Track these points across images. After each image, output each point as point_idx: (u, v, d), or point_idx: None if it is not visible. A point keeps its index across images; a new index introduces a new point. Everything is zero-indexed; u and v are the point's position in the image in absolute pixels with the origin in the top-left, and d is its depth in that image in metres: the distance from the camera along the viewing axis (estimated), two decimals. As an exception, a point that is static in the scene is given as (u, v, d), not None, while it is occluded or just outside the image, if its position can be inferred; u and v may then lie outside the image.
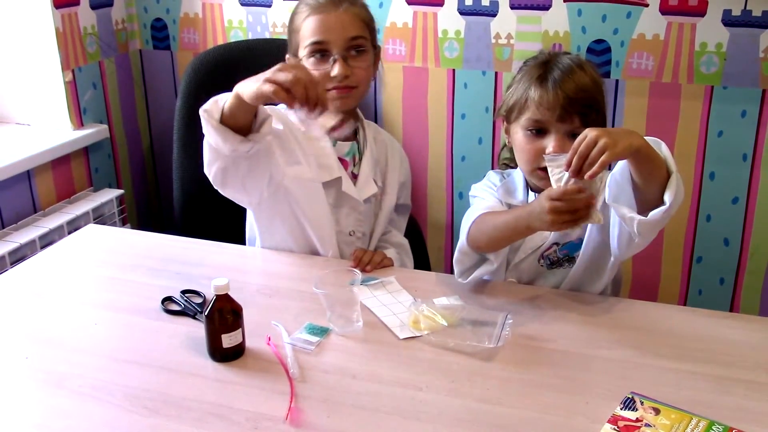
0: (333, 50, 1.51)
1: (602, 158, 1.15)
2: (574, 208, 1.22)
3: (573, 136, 1.38)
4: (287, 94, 1.22)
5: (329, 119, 1.52)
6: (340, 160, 1.61)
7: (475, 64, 2.15)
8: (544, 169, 1.38)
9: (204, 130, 1.36)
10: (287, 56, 1.61)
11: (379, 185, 1.68)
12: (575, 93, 1.38)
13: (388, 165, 1.72)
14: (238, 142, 1.34)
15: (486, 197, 1.54)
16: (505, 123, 1.52)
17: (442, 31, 2.15)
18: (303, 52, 1.54)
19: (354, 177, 1.63)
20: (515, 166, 1.57)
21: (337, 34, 1.51)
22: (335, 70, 1.50)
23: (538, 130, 1.41)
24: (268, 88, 1.22)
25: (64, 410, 1.12)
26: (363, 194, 1.63)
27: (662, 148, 1.29)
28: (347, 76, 1.52)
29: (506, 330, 1.27)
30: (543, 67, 1.44)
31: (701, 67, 1.98)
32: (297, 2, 1.59)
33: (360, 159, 1.64)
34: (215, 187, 1.48)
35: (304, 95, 1.22)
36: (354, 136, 1.66)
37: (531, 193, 1.51)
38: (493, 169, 1.66)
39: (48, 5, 2.09)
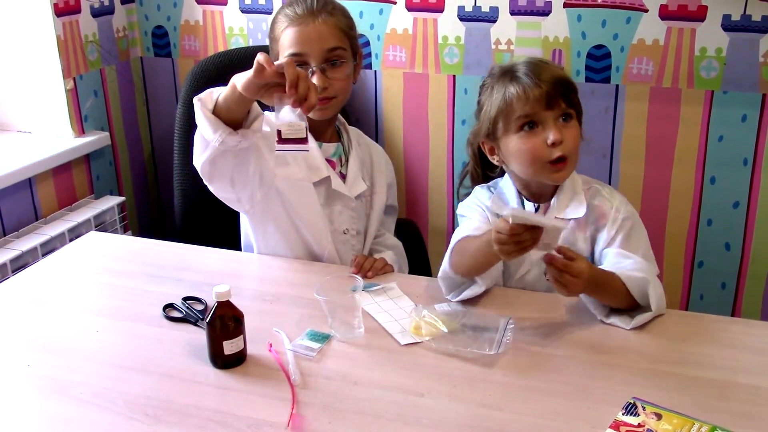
0: (311, 62, 1.53)
1: (563, 292, 1.27)
2: (518, 242, 1.23)
3: (565, 118, 1.41)
4: (280, 78, 1.24)
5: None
6: (327, 161, 1.62)
7: (476, 69, 2.15)
8: (555, 162, 1.39)
9: (196, 119, 1.38)
10: None
11: (367, 184, 1.69)
12: (551, 78, 1.40)
13: (373, 166, 1.73)
14: (227, 134, 1.35)
15: (472, 216, 1.53)
16: (487, 147, 1.50)
17: (442, 37, 2.16)
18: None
19: (342, 176, 1.64)
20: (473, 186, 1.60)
21: (314, 46, 1.52)
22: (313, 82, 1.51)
23: (531, 125, 1.40)
24: (261, 58, 1.24)
25: (65, 417, 1.12)
26: (353, 191, 1.64)
27: (649, 290, 1.33)
28: (325, 87, 1.53)
29: (507, 336, 1.27)
30: (508, 71, 1.44)
31: (701, 71, 1.98)
32: (277, 10, 1.60)
33: (346, 159, 1.66)
34: (204, 181, 1.49)
35: (295, 78, 1.24)
36: (338, 137, 1.68)
37: (527, 203, 1.49)
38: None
39: (49, 13, 2.10)
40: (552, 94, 1.39)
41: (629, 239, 1.44)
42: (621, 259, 1.39)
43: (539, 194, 1.49)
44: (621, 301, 1.33)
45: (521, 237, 1.21)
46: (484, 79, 1.51)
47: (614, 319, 1.33)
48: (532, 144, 1.40)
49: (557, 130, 1.38)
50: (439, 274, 1.45)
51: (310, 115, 1.57)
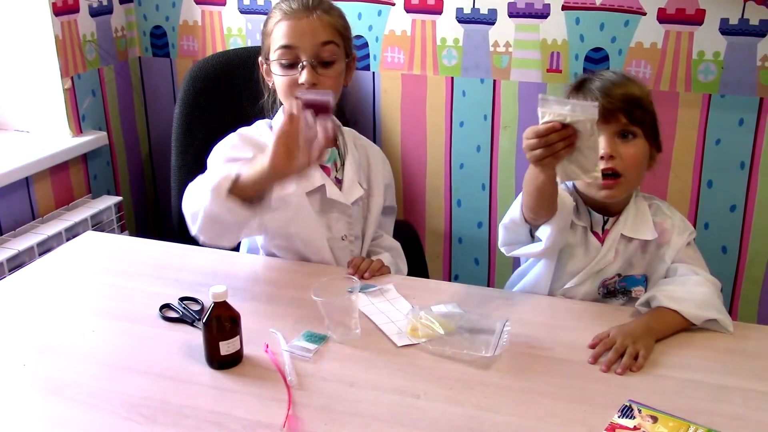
0: (302, 56, 1.50)
1: (639, 362, 1.22)
2: (547, 144, 1.18)
3: (623, 135, 1.38)
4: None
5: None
6: (321, 167, 1.61)
7: (474, 72, 2.16)
8: (606, 177, 1.36)
9: (205, 205, 1.35)
10: (260, 59, 1.61)
11: (364, 188, 1.68)
12: (619, 94, 1.37)
13: (371, 167, 1.71)
14: (247, 216, 1.35)
15: None
16: None
17: (440, 39, 2.16)
18: (273, 56, 1.53)
19: (338, 182, 1.63)
20: None
21: (306, 39, 1.49)
22: (303, 77, 1.49)
23: None
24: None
25: (61, 418, 1.12)
26: (350, 197, 1.63)
27: (726, 316, 1.34)
28: (314, 84, 1.50)
29: (504, 338, 1.26)
30: (582, 82, 1.44)
31: (699, 75, 1.98)
32: (273, 7, 1.58)
33: (342, 164, 1.65)
34: (200, 242, 1.48)
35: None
36: (334, 141, 1.67)
37: (597, 216, 1.47)
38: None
39: (48, 12, 2.10)
40: (611, 109, 1.36)
41: (690, 251, 1.47)
42: (688, 273, 1.42)
43: (601, 208, 1.47)
44: (681, 327, 1.33)
45: (549, 138, 1.18)
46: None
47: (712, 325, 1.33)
48: None
49: (610, 145, 1.36)
50: (505, 221, 1.43)
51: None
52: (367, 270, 1.54)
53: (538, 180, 1.28)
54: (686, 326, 1.32)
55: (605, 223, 1.47)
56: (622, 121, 1.38)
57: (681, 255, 1.46)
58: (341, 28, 1.56)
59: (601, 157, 1.34)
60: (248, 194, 1.34)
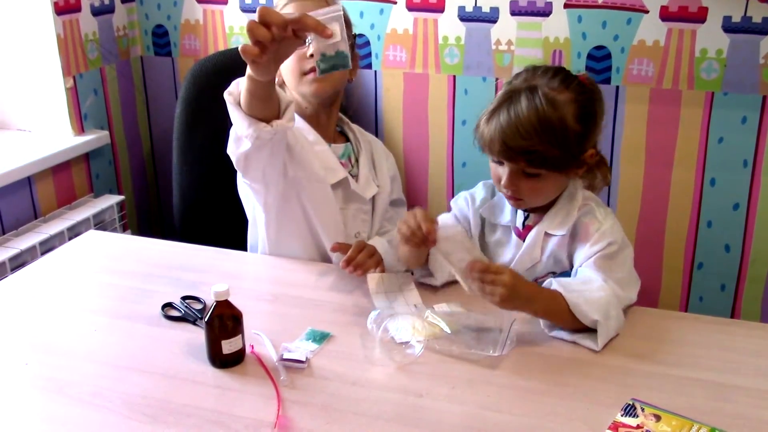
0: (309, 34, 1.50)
1: (489, 299, 1.24)
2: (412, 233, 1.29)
3: (525, 173, 1.35)
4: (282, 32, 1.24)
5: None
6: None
7: (476, 70, 2.15)
8: (509, 195, 1.39)
9: (230, 115, 1.37)
10: None
11: (377, 184, 1.67)
12: (513, 140, 1.31)
13: (375, 164, 1.72)
14: (261, 127, 1.34)
15: (450, 213, 1.52)
16: None
17: (442, 37, 2.16)
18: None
19: (354, 178, 1.63)
20: None
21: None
22: (311, 49, 1.48)
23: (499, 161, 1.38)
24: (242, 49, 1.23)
25: (62, 417, 1.12)
26: (367, 193, 1.63)
27: (610, 327, 1.27)
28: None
29: (511, 336, 1.26)
30: (504, 99, 1.37)
31: (701, 73, 1.98)
32: None
33: (356, 160, 1.65)
34: (239, 171, 1.49)
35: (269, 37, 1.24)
36: (346, 137, 1.67)
37: (519, 212, 1.46)
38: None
39: (49, 11, 2.10)
40: (508, 154, 1.33)
41: (607, 260, 1.36)
42: (588, 276, 1.34)
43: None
44: (564, 321, 1.28)
45: (417, 234, 1.29)
46: (514, 75, 1.44)
47: (578, 338, 1.28)
48: (495, 173, 1.41)
49: (509, 180, 1.35)
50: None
51: (311, 98, 1.56)
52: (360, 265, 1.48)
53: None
54: (568, 323, 1.27)
55: (526, 218, 1.46)
56: (522, 163, 1.34)
57: (591, 263, 1.36)
58: (346, 17, 1.56)
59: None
60: (254, 110, 1.34)
